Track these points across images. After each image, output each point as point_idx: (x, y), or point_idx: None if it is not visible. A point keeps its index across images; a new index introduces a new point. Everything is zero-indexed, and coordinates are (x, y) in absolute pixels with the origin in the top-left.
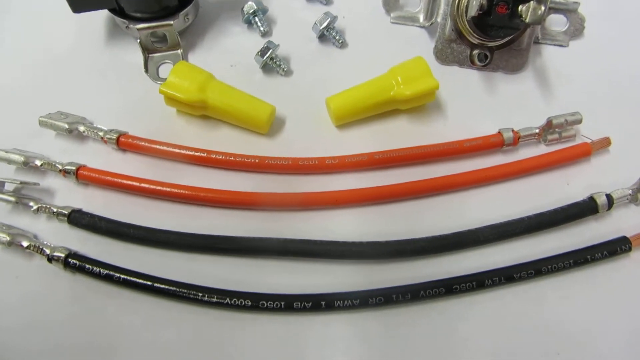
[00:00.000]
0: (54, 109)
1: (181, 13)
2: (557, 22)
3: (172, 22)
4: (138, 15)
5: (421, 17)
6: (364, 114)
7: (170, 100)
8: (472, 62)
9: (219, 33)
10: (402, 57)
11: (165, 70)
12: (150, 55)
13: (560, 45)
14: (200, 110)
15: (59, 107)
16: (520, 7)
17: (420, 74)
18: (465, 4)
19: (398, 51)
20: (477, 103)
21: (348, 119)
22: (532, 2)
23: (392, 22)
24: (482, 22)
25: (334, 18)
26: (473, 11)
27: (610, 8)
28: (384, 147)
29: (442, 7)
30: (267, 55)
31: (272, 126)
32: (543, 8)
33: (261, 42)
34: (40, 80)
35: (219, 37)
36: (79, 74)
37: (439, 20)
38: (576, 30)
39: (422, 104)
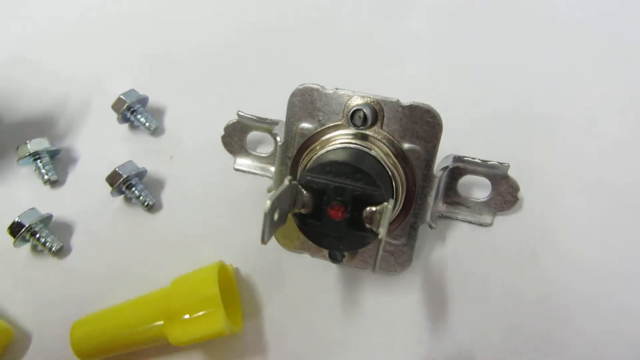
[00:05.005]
0: None
1: None
2: (477, 184)
3: None
4: None
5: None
6: (124, 350)
7: None
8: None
9: None
10: (236, 228)
11: None
12: None
13: (480, 225)
14: None
15: None
16: (365, 211)
17: (205, 298)
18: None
19: (233, 219)
20: (335, 325)
21: (98, 356)
22: (385, 203)
23: (237, 170)
24: (310, 229)
25: (141, 173)
26: (266, 232)
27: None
28: None
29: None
30: (24, 235)
31: (10, 353)
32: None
33: (46, 194)
34: None
35: None
36: None
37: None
38: (506, 202)
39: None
